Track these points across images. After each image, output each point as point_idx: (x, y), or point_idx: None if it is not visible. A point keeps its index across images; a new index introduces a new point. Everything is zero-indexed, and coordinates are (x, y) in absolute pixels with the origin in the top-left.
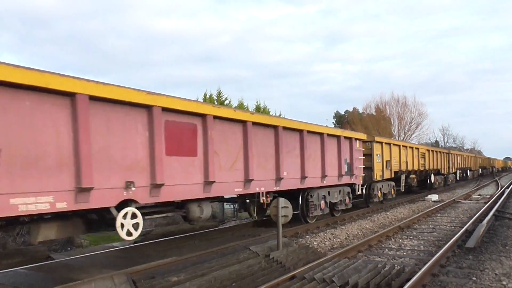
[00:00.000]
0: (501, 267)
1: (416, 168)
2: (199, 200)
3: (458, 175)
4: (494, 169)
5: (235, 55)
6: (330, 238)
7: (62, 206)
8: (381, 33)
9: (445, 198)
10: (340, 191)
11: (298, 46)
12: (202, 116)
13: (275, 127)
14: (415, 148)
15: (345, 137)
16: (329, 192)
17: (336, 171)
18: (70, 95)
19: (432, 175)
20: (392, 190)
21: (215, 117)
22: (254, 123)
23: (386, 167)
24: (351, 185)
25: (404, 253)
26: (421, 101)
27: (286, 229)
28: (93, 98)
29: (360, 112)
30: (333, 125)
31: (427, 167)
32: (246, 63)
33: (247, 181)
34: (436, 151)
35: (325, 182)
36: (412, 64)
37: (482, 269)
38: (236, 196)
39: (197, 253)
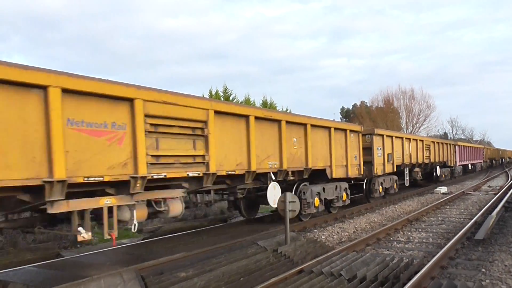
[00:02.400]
0: (510, 258)
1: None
2: None
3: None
4: (503, 160)
5: (241, 52)
6: (338, 232)
7: None
8: (387, 28)
9: (454, 190)
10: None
11: (304, 42)
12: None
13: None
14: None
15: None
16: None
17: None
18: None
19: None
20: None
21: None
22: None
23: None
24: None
25: (413, 246)
26: (429, 93)
27: (294, 223)
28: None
29: (368, 105)
30: (340, 119)
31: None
32: (253, 59)
33: None
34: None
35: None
36: (418, 58)
37: (492, 260)
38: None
39: (205, 249)
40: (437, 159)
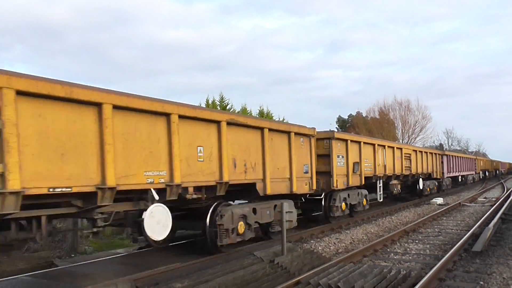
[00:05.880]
0: (508, 271)
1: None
2: None
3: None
4: (498, 172)
5: (240, 63)
6: (335, 243)
7: None
8: (382, 40)
9: (450, 202)
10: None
11: (302, 53)
12: None
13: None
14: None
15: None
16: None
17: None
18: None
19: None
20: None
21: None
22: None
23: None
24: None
25: (410, 258)
26: (425, 104)
27: (290, 233)
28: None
29: (364, 116)
30: (336, 130)
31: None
32: (251, 70)
33: None
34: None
35: None
36: (413, 69)
37: (490, 273)
38: None
39: (201, 259)
40: (420, 170)
